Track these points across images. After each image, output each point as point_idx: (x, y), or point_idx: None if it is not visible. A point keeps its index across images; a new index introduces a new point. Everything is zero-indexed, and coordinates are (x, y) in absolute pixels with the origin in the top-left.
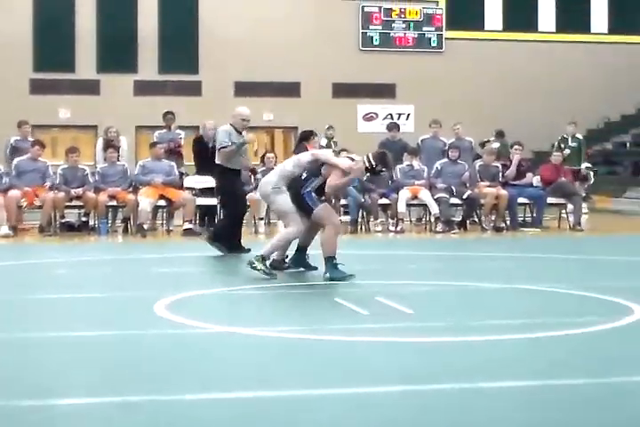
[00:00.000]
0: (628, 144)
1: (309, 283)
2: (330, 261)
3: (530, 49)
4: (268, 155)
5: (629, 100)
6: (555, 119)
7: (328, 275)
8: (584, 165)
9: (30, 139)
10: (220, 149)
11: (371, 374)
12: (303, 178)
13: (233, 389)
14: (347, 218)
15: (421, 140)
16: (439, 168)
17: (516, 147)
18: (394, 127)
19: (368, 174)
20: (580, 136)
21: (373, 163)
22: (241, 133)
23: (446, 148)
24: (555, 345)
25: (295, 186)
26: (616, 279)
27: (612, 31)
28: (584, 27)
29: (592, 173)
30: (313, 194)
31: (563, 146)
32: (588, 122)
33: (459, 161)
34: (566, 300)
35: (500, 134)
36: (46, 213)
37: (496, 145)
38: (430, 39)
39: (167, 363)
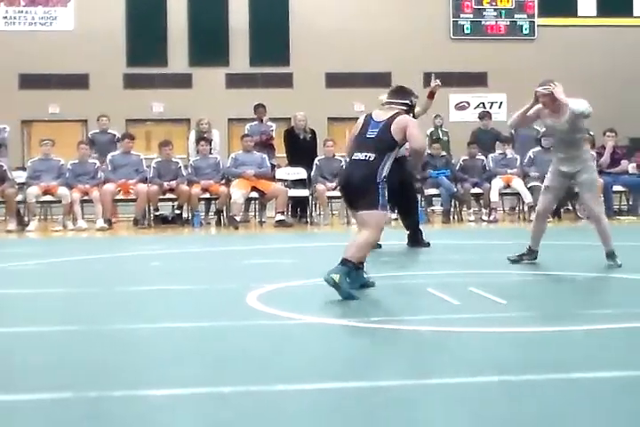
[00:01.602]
0: None
1: (400, 273)
2: (350, 267)
3: (624, 34)
4: None
5: None
6: None
7: (338, 278)
8: None
9: (111, 131)
10: None
11: (464, 364)
12: (372, 159)
13: (325, 379)
14: (439, 208)
15: (515, 130)
16: (532, 157)
17: (608, 134)
18: (485, 116)
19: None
20: None
21: (403, 101)
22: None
23: (539, 136)
24: None
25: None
26: None
27: None
28: None
29: None
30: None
31: None
32: None
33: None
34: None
35: None
36: (140, 206)
37: None
38: (522, 26)
39: (259, 354)
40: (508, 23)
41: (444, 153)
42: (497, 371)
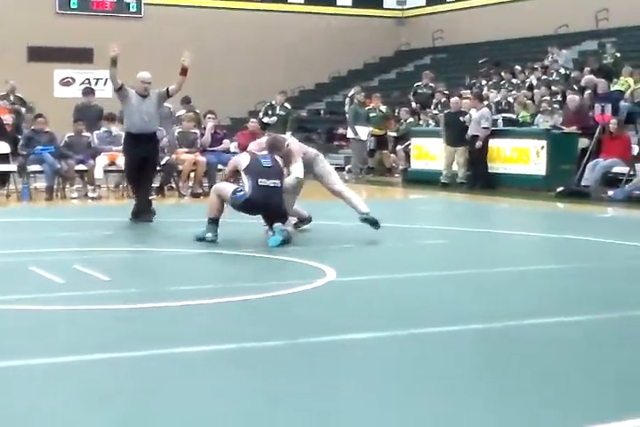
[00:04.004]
0: (322, 112)
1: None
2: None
3: (229, 16)
4: None
5: (324, 70)
6: (251, 88)
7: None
8: (289, 133)
9: None
10: None
11: (66, 342)
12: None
13: None
14: (42, 185)
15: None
16: None
17: (209, 116)
18: (89, 92)
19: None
20: (288, 105)
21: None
22: (145, 97)
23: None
24: (250, 309)
25: None
26: (311, 244)
27: (308, 1)
28: None
29: None
30: None
31: (270, 113)
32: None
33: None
34: (264, 264)
35: (185, 101)
36: None
37: (181, 112)
38: (129, 4)
39: None
40: (115, 0)
41: (48, 129)
42: (98, 348)
